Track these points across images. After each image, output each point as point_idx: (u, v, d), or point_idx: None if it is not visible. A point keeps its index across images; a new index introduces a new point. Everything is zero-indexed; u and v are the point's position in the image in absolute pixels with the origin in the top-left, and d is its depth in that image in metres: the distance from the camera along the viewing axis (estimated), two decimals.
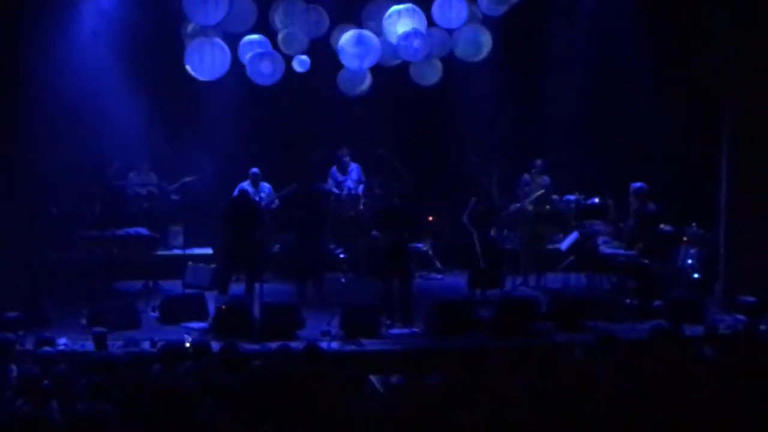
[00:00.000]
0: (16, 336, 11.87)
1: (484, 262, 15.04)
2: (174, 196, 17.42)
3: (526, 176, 16.72)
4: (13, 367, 10.45)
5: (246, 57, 14.69)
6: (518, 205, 16.54)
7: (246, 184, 16.21)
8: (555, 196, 17.07)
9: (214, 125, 17.01)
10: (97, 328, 11.95)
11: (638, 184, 15.04)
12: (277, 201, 16.57)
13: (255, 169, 16.41)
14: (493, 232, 15.52)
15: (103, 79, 16.21)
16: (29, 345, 11.83)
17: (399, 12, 14.23)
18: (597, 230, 15.86)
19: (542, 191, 16.48)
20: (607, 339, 11.33)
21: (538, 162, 16.94)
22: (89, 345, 12.23)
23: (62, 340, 12.65)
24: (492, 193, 16.00)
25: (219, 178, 17.09)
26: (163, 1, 15.37)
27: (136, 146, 16.90)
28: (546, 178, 16.97)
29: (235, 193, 15.91)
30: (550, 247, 16.75)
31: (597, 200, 16.72)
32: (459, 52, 14.92)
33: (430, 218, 17.52)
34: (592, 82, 17.36)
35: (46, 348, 11.39)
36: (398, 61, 14.98)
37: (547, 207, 16.76)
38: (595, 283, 15.29)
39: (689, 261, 15.71)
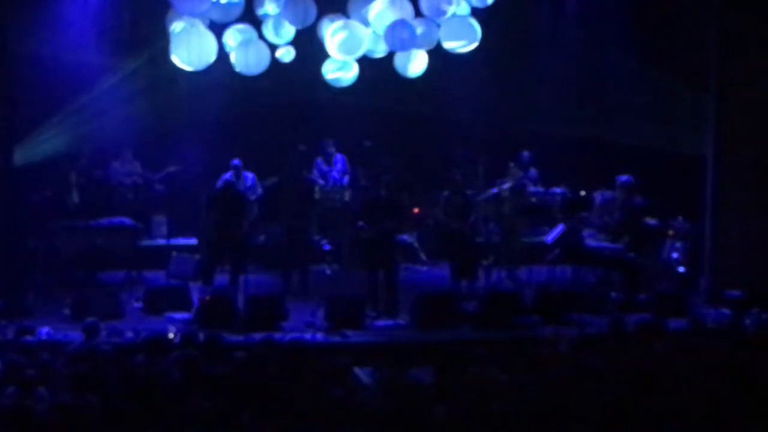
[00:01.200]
0: None
1: (465, 254, 15.08)
2: (158, 186, 17.37)
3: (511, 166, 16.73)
4: None
5: (231, 46, 14.60)
6: (495, 190, 16.46)
7: (229, 175, 16.12)
8: (541, 189, 17.05)
9: (198, 114, 16.91)
10: (90, 319, 11.74)
11: (625, 177, 15.03)
12: (260, 190, 16.54)
13: (236, 161, 16.32)
14: (467, 225, 15.49)
15: (85, 67, 16.14)
16: (10, 334, 11.76)
17: (386, 2, 14.14)
18: (583, 221, 15.83)
19: (517, 178, 16.45)
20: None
21: (525, 154, 16.92)
22: (72, 335, 12.14)
23: (45, 330, 12.58)
24: (462, 185, 15.99)
25: (204, 168, 17.01)
26: None
27: (119, 134, 16.81)
28: (533, 171, 16.95)
29: (219, 183, 15.85)
30: (537, 240, 16.73)
31: (584, 193, 16.71)
32: (446, 42, 14.84)
33: (416, 210, 17.49)
34: (580, 75, 17.32)
35: (28, 337, 11.33)
36: (385, 52, 14.90)
37: (533, 199, 16.75)
38: (581, 277, 15.26)
39: (675, 254, 15.70)
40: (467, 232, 15.39)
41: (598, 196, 16.16)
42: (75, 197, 16.26)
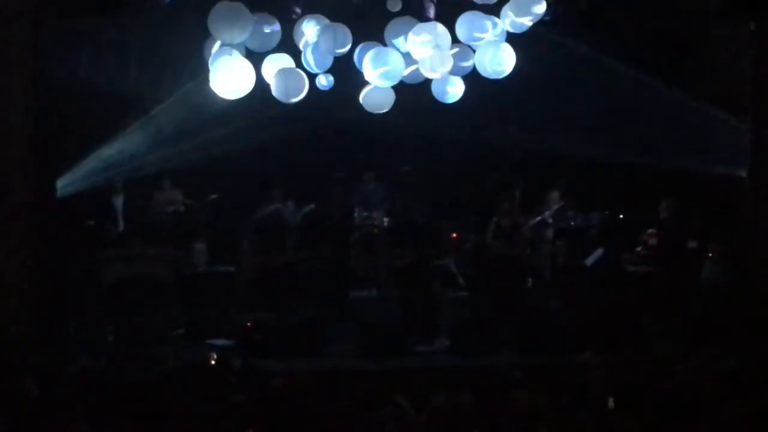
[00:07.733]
0: (38, 354, 11.90)
1: (511, 280, 15.11)
2: (199, 215, 17.47)
3: (554, 194, 16.75)
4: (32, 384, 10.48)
5: (269, 75, 14.72)
6: (539, 218, 16.51)
7: (270, 203, 16.23)
8: (579, 213, 17.04)
9: (238, 142, 17.04)
10: (125, 348, 11.79)
11: (664, 201, 14.99)
12: (299, 217, 16.62)
13: (276, 189, 16.44)
14: (518, 249, 15.52)
15: (126, 97, 16.34)
16: (54, 363, 11.84)
17: (422, 29, 14.21)
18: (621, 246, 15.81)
19: (560, 204, 16.50)
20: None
21: (561, 181, 16.93)
22: (113, 363, 12.23)
23: (86, 359, 12.68)
24: (515, 210, 16.00)
25: (244, 196, 17.12)
26: (187, 18, 15.46)
27: (160, 163, 16.97)
28: (568, 195, 16.95)
29: (262, 212, 15.96)
30: (576, 263, 16.71)
31: (621, 217, 16.69)
32: (482, 68, 14.87)
33: (453, 235, 17.49)
34: (618, 98, 17.27)
35: (70, 366, 11.41)
36: (421, 78, 14.97)
37: (572, 224, 16.75)
38: (620, 300, 15.20)
39: (714, 277, 15.63)
40: (515, 258, 15.42)
41: None
42: (121, 225, 16.42)
